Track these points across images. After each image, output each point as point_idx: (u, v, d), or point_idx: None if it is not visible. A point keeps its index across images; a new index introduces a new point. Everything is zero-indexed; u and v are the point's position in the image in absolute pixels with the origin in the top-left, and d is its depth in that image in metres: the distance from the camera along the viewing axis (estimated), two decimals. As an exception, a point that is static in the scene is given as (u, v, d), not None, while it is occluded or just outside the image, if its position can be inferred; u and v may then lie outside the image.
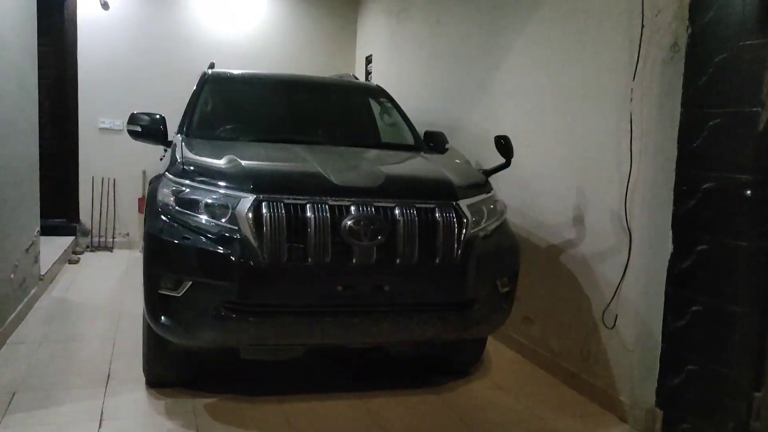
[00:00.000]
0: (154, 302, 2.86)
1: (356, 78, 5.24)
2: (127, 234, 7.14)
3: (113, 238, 7.08)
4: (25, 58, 4.46)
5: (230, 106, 4.33)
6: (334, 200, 2.87)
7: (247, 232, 2.75)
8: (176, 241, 2.82)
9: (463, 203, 3.06)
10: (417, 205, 2.95)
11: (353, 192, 2.93)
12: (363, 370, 3.77)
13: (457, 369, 3.74)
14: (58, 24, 6.74)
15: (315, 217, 2.80)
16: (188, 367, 3.28)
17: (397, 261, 2.88)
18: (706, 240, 2.69)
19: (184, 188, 2.93)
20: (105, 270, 6.09)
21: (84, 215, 6.98)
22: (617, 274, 3.32)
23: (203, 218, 2.84)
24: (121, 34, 6.93)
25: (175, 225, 2.87)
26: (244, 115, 4.27)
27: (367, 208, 2.87)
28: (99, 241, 7.02)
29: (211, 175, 2.97)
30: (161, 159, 4.65)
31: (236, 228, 2.78)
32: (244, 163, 3.07)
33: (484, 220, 3.14)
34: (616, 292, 3.31)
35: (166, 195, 2.97)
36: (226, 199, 2.84)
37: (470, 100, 4.95)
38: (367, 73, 7.25)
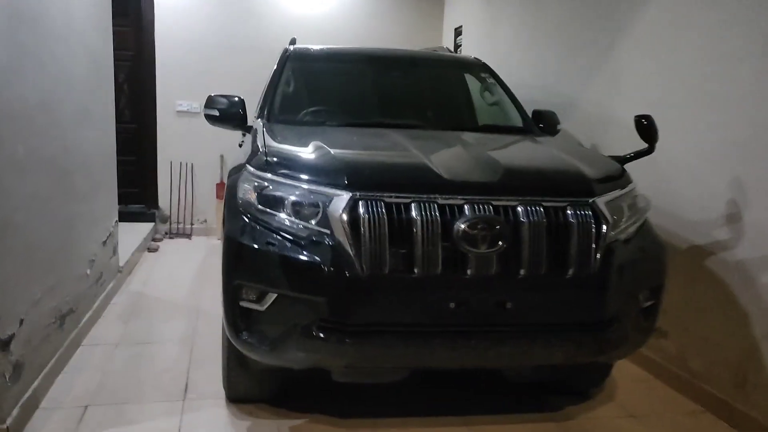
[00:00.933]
0: (235, 315, 2.46)
1: (451, 51, 4.68)
2: (205, 220, 6.91)
3: (191, 224, 6.87)
4: (99, 40, 4.16)
5: (315, 86, 3.89)
6: (445, 198, 2.37)
7: (342, 236, 2.30)
8: (259, 247, 2.40)
9: (601, 201, 2.49)
10: (545, 204, 2.41)
11: (467, 188, 2.42)
12: (468, 391, 3.28)
13: (576, 390, 3.20)
14: (135, 4, 6.50)
15: (422, 219, 2.31)
16: (273, 383, 2.90)
17: (521, 273, 2.35)
18: None
19: (267, 183, 2.51)
20: (183, 259, 5.86)
21: (162, 201, 6.80)
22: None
23: (289, 219, 2.41)
24: (198, 12, 6.63)
25: (258, 227, 2.45)
26: (330, 96, 3.81)
27: (484, 208, 2.36)
28: (177, 228, 6.83)
29: (298, 167, 2.53)
30: (240, 145, 4.29)
31: (328, 232, 2.33)
32: (335, 152, 2.61)
33: (624, 221, 2.57)
34: (789, 308, 2.67)
35: (247, 191, 2.55)
36: (315, 197, 2.40)
37: (583, 75, 4.31)
38: (456, 47, 6.65)
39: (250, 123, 3.55)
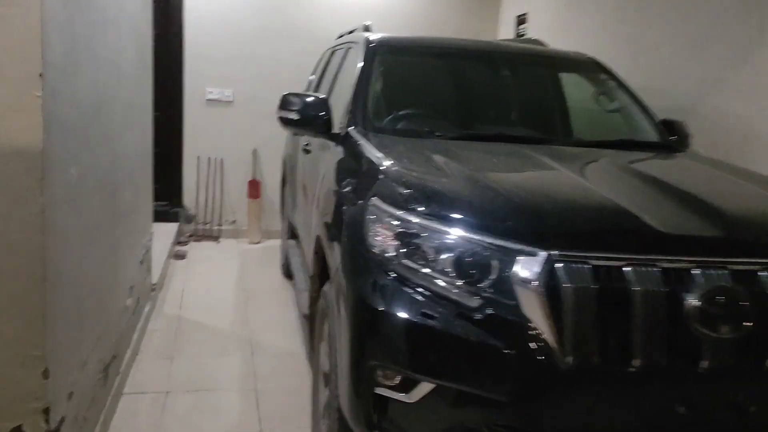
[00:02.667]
0: (367, 404, 1.83)
1: (544, 44, 4.00)
2: (234, 221, 6.24)
3: (219, 225, 6.20)
4: (144, 21, 3.46)
5: (412, 85, 3.20)
6: (669, 261, 1.74)
7: (535, 312, 1.66)
8: (410, 318, 1.76)
9: None
10: (791, 267, 1.79)
11: (695, 246, 1.78)
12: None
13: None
14: (160, -24, 5.76)
15: (643, 290, 1.68)
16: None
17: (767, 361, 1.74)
18: None
19: (414, 228, 1.86)
20: (217, 268, 5.19)
21: (187, 199, 6.11)
22: None
23: (450, 282, 1.77)
24: (231, -13, 5.91)
25: (405, 289, 1.81)
26: (432, 98, 3.14)
27: (720, 275, 1.73)
28: (204, 229, 6.15)
29: (457, 207, 1.88)
30: (306, 150, 3.63)
31: (512, 304, 1.70)
32: (499, 186, 1.97)
33: None
34: None
35: (383, 235, 1.90)
36: (488, 253, 1.76)
37: (709, 75, 3.67)
38: (518, 36, 5.98)
39: (336, 130, 2.88)
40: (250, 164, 6.14)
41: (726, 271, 1.74)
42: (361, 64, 3.11)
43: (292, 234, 4.50)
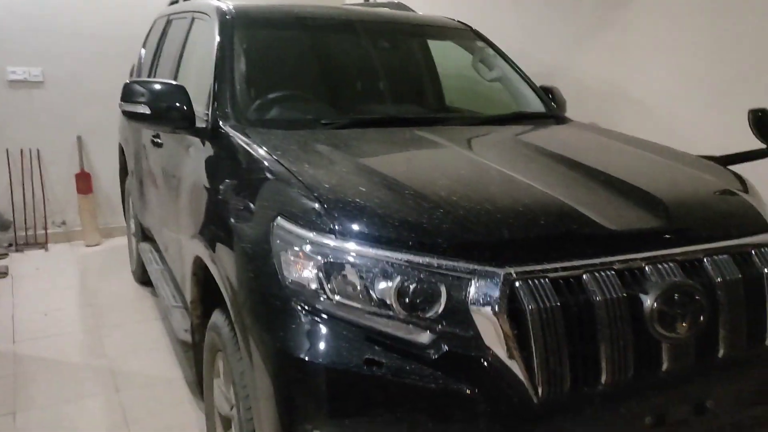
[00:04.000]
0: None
1: (410, 9, 3.73)
2: (64, 222, 5.37)
3: (45, 229, 5.30)
4: None
5: (282, 66, 2.76)
6: (623, 261, 1.58)
7: (497, 342, 1.43)
8: (351, 369, 1.44)
9: (776, 232, 1.87)
10: (731, 250, 1.73)
11: (643, 240, 1.65)
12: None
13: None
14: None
15: (605, 299, 1.51)
16: None
17: (720, 353, 1.67)
18: None
19: (337, 253, 1.53)
20: (51, 283, 4.40)
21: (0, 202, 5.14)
22: None
23: (394, 316, 1.48)
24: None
25: (339, 332, 1.49)
26: (310, 80, 2.73)
27: (672, 269, 1.62)
28: (26, 236, 5.22)
29: (384, 222, 1.57)
30: (156, 143, 3.09)
31: (469, 335, 1.45)
32: (428, 192, 1.68)
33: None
34: None
35: (300, 267, 1.55)
36: (433, 278, 1.48)
37: (579, 40, 3.66)
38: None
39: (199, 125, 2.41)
40: (75, 154, 5.28)
41: (675, 264, 1.63)
42: (218, 40, 2.62)
43: (145, 235, 3.91)
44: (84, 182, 5.29)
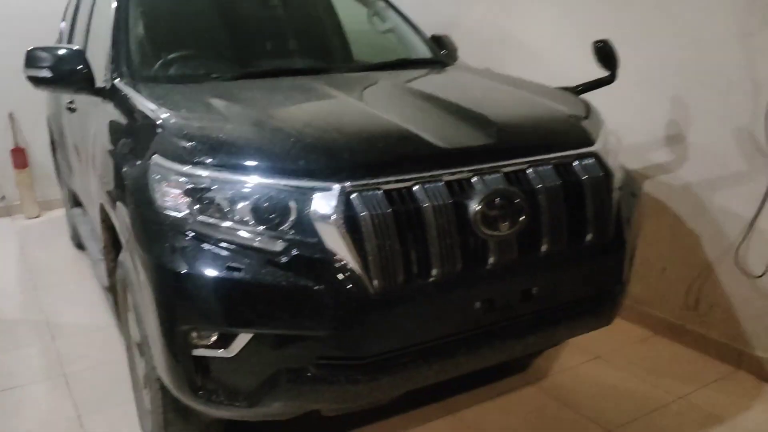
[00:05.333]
0: (188, 369, 1.78)
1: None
2: (3, 197, 5.48)
3: (-17, 205, 5.41)
4: None
5: (172, 23, 2.95)
6: (451, 173, 1.86)
7: (339, 246, 1.70)
8: (217, 275, 1.70)
9: (599, 147, 2.17)
10: (553, 161, 2.02)
11: (471, 155, 1.92)
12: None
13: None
14: None
15: (433, 206, 1.79)
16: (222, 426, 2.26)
17: (543, 249, 1.97)
18: None
19: (204, 182, 1.77)
20: (-9, 255, 4.58)
21: (-65, 181, 5.23)
22: (748, 206, 2.65)
23: (251, 230, 1.74)
24: None
25: (205, 246, 1.74)
26: (196, 35, 2.90)
27: (495, 179, 1.90)
28: (-36, 213, 5.33)
29: (244, 152, 1.81)
30: (71, 109, 3.27)
31: (315, 241, 1.72)
32: (286, 125, 1.93)
33: (614, 166, 2.28)
34: (749, 229, 2.66)
35: (173, 196, 1.79)
36: (283, 195, 1.74)
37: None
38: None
39: (100, 84, 2.60)
40: (9, 130, 5.37)
41: (499, 175, 1.91)
42: (115, 4, 2.80)
43: (76, 201, 4.08)
44: (19, 157, 5.39)
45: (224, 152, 1.81)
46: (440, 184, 1.83)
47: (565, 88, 2.70)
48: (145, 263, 1.82)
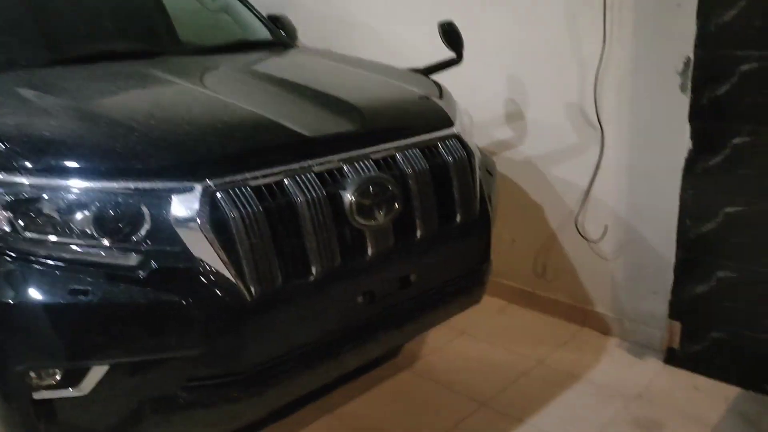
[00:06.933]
0: (27, 416, 1.48)
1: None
2: None
3: None
4: None
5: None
6: (320, 163, 1.73)
7: (205, 252, 1.50)
8: (58, 300, 1.42)
9: (459, 127, 2.16)
10: (419, 145, 1.98)
11: (339, 143, 1.81)
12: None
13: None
14: None
15: (306, 199, 1.65)
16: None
17: (418, 234, 1.93)
18: (748, 131, 2.30)
19: (27, 190, 1.46)
20: None
21: None
22: (584, 176, 2.84)
23: (96, 244, 1.47)
24: None
25: (37, 268, 1.44)
26: (10, 18, 2.43)
27: (366, 166, 1.81)
28: None
29: (74, 152, 1.52)
30: None
31: (177, 250, 1.50)
32: (126, 119, 1.66)
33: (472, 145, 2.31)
34: (585, 197, 2.85)
35: (-14, 213, 1.46)
36: (131, 199, 1.49)
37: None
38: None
39: None
40: None
41: (370, 162, 1.82)
42: None
43: None
44: None
45: (51, 154, 1.51)
46: (311, 175, 1.69)
47: (415, 69, 2.68)
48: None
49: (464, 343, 2.92)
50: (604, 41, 2.57)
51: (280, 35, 3.10)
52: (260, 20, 3.11)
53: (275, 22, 3.23)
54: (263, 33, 3.04)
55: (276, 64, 2.54)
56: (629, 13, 2.51)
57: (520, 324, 3.09)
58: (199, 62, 2.46)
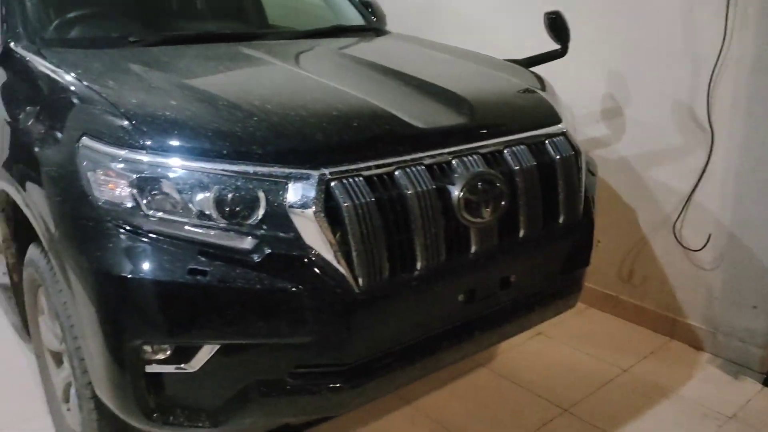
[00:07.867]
0: (138, 388, 1.52)
1: None
2: None
3: None
4: None
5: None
6: (431, 156, 1.70)
7: (319, 241, 1.50)
8: (177, 279, 1.45)
9: (566, 125, 2.09)
10: (526, 141, 1.92)
11: (450, 137, 1.77)
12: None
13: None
14: None
15: (416, 192, 1.63)
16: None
17: (521, 233, 1.87)
18: None
19: (152, 169, 1.49)
20: None
21: None
22: (684, 180, 2.71)
23: (214, 226, 1.49)
24: None
25: (158, 246, 1.47)
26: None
27: (475, 161, 1.76)
28: None
29: (198, 133, 1.54)
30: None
31: (291, 236, 1.50)
32: (245, 103, 1.66)
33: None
34: (686, 203, 2.73)
35: (113, 187, 1.50)
36: (251, 184, 1.50)
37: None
38: None
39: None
40: None
41: (478, 157, 1.78)
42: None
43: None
44: None
45: (176, 134, 1.53)
46: (422, 168, 1.66)
47: (513, 61, 2.60)
48: (79, 266, 1.52)
49: (542, 343, 2.86)
50: (723, 37, 2.43)
51: (373, 21, 3.06)
52: (353, 4, 3.08)
53: (366, 8, 3.20)
54: (357, 19, 3.01)
55: (376, 51, 2.51)
56: (755, 9, 2.36)
57: (601, 329, 3.00)
58: (301, 47, 2.46)
